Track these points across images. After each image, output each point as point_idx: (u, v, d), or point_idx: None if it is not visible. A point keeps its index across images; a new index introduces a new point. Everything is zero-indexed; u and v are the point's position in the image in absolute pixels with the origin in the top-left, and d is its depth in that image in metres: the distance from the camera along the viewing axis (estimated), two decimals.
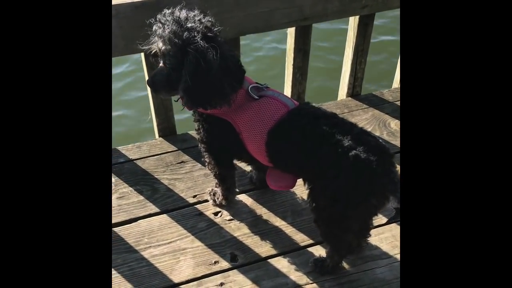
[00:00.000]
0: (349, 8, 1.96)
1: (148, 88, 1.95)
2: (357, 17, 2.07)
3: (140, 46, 1.42)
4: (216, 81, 1.33)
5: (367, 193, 1.30)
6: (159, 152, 2.03)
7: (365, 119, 2.21)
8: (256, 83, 1.51)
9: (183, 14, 1.34)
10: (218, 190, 1.76)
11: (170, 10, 1.36)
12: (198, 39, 1.29)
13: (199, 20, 1.33)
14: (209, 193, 1.81)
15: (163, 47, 1.34)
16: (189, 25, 1.31)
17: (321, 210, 1.41)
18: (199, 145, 1.62)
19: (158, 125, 2.08)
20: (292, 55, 2.08)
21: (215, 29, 1.37)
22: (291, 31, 2.03)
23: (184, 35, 1.29)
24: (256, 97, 1.46)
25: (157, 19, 1.35)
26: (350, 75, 2.27)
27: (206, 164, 1.68)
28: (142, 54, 1.83)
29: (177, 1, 1.64)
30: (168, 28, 1.30)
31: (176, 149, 2.05)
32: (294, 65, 2.11)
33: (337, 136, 1.31)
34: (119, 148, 2.04)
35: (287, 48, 2.11)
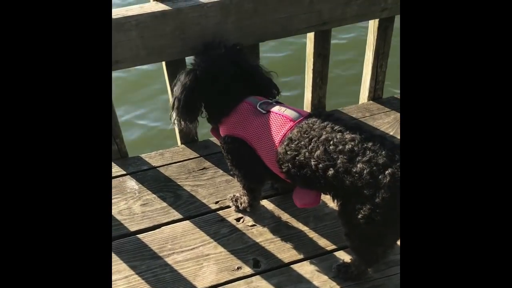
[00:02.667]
0: (368, 12, 1.95)
1: (170, 96, 1.98)
2: (377, 20, 2.06)
3: None
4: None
5: None
6: (182, 159, 2.05)
7: (387, 122, 2.19)
8: (268, 98, 1.56)
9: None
10: (244, 198, 1.77)
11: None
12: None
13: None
14: (231, 199, 1.82)
15: None
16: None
17: (355, 226, 1.34)
18: (227, 161, 1.64)
19: (180, 132, 2.11)
20: (312, 60, 2.08)
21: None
22: (310, 36, 2.03)
23: None
24: (264, 112, 1.48)
25: None
26: (371, 79, 2.25)
27: (235, 176, 1.69)
28: (164, 63, 1.86)
29: (196, 9, 1.68)
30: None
31: (198, 155, 2.06)
32: (314, 70, 2.11)
33: (370, 152, 1.25)
34: (142, 155, 2.07)
35: (307, 53, 2.11)
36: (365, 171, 1.24)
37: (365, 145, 1.27)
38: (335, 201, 1.40)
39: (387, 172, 1.22)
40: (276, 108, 1.48)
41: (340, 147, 1.29)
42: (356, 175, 1.25)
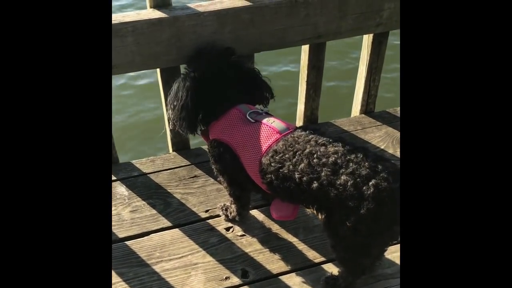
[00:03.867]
0: (363, 26, 1.97)
1: (163, 103, 1.98)
2: (371, 35, 2.08)
3: None
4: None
5: (390, 222, 1.26)
6: (173, 166, 2.05)
7: (379, 136, 2.20)
8: (261, 109, 1.57)
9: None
10: (233, 206, 1.77)
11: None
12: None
13: None
14: (221, 208, 1.82)
15: None
16: None
17: (341, 238, 1.35)
18: (212, 166, 1.65)
19: (172, 139, 2.10)
20: (306, 71, 2.10)
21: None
22: (305, 48, 2.05)
23: None
24: (253, 121, 1.50)
25: None
26: (364, 92, 2.27)
27: (222, 183, 1.70)
28: (158, 70, 1.86)
29: (193, 18, 1.69)
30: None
31: (189, 163, 2.06)
32: (307, 81, 2.13)
33: (353, 164, 1.26)
34: (133, 162, 2.06)
35: (301, 65, 2.12)
36: (349, 183, 1.24)
37: (348, 157, 1.29)
38: (319, 214, 1.41)
39: (370, 183, 1.23)
40: (265, 119, 1.50)
41: (324, 160, 1.30)
42: (340, 187, 1.26)
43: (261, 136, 1.45)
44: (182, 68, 1.75)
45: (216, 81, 1.57)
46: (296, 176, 1.33)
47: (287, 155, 1.37)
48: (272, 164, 1.39)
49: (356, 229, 1.28)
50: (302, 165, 1.32)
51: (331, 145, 1.33)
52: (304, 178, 1.32)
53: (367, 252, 1.40)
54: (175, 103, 1.57)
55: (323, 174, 1.29)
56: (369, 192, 1.22)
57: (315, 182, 1.30)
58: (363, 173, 1.24)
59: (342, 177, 1.26)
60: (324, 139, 1.37)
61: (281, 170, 1.37)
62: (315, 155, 1.32)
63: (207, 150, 1.67)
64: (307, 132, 1.41)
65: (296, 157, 1.35)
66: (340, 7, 1.87)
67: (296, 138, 1.39)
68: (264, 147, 1.43)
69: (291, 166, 1.35)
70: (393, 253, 1.67)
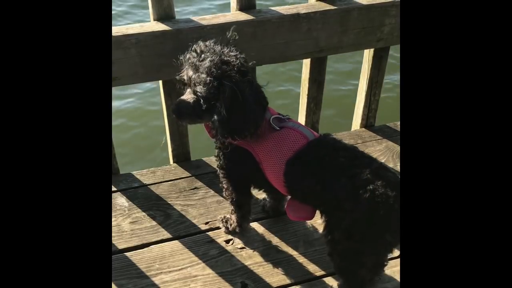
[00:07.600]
0: (364, 41, 1.99)
1: (165, 114, 1.99)
2: (372, 50, 2.10)
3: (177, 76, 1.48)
4: (251, 114, 1.39)
5: (382, 229, 1.28)
6: (173, 178, 2.05)
7: (379, 150, 2.21)
8: (278, 114, 1.54)
9: (218, 47, 1.40)
10: (233, 217, 1.76)
11: (206, 42, 1.42)
12: (234, 73, 1.34)
13: (235, 55, 1.39)
14: (221, 220, 1.82)
15: (194, 76, 1.37)
16: (226, 58, 1.36)
17: (337, 243, 1.39)
18: (218, 170, 1.64)
19: (173, 151, 2.11)
20: (307, 85, 2.11)
21: (248, 64, 1.45)
22: (306, 62, 2.06)
23: (223, 67, 1.34)
24: (277, 128, 1.48)
25: (192, 49, 1.41)
26: (364, 106, 2.29)
27: (224, 190, 1.70)
28: (161, 82, 1.87)
29: (196, 31, 1.71)
30: (208, 58, 1.35)
31: (190, 175, 2.06)
32: (308, 95, 2.14)
33: (355, 169, 1.32)
34: (134, 173, 2.06)
35: (302, 79, 2.14)
36: (348, 186, 1.30)
37: (354, 162, 1.35)
38: (322, 218, 1.45)
39: (368, 188, 1.27)
40: (291, 124, 1.49)
41: (332, 163, 1.36)
42: (340, 189, 1.31)
43: (290, 141, 1.45)
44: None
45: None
46: (308, 178, 1.39)
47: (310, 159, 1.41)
48: (296, 168, 1.42)
49: (349, 232, 1.32)
50: (314, 168, 1.39)
51: (343, 150, 1.40)
52: (313, 180, 1.38)
53: (361, 260, 1.41)
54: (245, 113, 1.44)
55: (327, 175, 1.35)
56: (365, 196, 1.27)
57: (320, 183, 1.36)
58: (363, 177, 1.29)
59: (342, 179, 1.32)
60: (341, 145, 1.44)
61: (302, 173, 1.41)
62: (326, 158, 1.38)
63: (211, 157, 1.64)
64: (329, 138, 1.48)
65: (315, 161, 1.40)
66: (341, 22, 1.89)
67: (318, 142, 1.44)
68: (291, 151, 1.43)
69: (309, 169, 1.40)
70: (393, 267, 1.67)
